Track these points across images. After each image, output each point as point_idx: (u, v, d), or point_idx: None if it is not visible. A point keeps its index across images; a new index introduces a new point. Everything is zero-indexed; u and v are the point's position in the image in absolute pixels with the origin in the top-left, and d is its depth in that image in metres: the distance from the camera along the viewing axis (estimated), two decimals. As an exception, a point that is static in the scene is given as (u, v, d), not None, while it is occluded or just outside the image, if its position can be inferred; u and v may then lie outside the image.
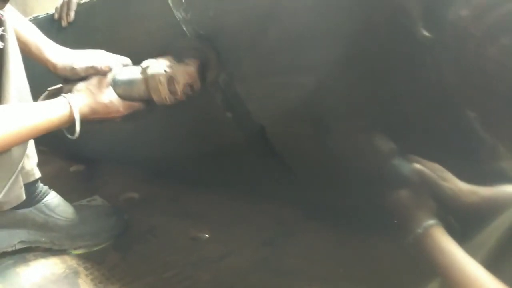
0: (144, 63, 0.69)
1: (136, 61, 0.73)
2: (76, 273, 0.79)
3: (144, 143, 0.96)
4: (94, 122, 0.70)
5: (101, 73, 0.71)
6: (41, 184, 0.85)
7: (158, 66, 0.67)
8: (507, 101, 0.42)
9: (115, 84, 0.71)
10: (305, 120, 0.67)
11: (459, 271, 0.46)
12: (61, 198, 0.88)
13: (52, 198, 0.86)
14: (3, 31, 0.65)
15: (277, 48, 0.61)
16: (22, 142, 0.68)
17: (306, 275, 0.74)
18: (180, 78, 0.66)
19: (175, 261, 0.81)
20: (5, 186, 0.70)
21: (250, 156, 0.81)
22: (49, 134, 0.66)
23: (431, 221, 0.51)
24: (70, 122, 0.67)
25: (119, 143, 1.02)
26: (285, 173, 0.79)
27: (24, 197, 0.79)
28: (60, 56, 0.74)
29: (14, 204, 0.79)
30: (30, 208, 0.83)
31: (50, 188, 0.87)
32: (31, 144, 0.82)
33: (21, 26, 0.74)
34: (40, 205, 0.84)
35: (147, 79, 0.68)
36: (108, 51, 0.75)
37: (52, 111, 0.65)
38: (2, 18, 0.65)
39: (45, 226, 0.84)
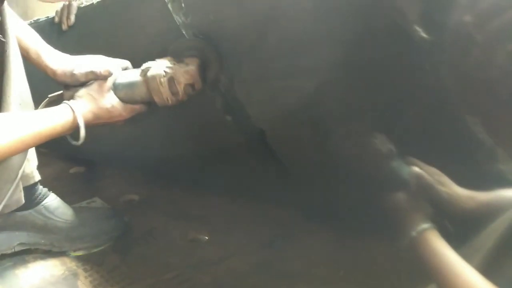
0: (144, 65, 0.69)
1: (137, 65, 0.73)
2: (75, 275, 0.79)
3: (144, 145, 0.96)
4: (97, 127, 0.71)
5: (101, 77, 0.71)
6: (40, 187, 0.85)
7: (158, 67, 0.67)
8: (510, 106, 0.42)
9: (116, 88, 0.71)
10: (304, 124, 0.67)
11: (453, 275, 0.46)
12: (61, 200, 0.88)
13: (52, 200, 0.86)
14: (1, 33, 0.65)
15: (277, 52, 0.62)
16: (25, 150, 0.69)
17: (306, 277, 0.74)
18: (181, 78, 0.66)
19: (175, 263, 0.81)
20: (7, 192, 0.71)
21: (249, 159, 0.81)
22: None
23: (426, 225, 0.51)
24: (73, 129, 0.67)
25: (119, 145, 1.03)
26: (284, 176, 0.79)
27: (23, 200, 0.79)
28: (60, 62, 0.74)
29: (14, 208, 0.79)
30: (30, 210, 0.83)
31: (50, 190, 0.87)
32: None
33: (21, 32, 0.74)
34: (39, 207, 0.84)
35: (148, 81, 0.68)
36: (109, 54, 0.75)
37: (55, 118, 0.65)
38: None
39: (44, 228, 0.84)
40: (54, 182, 1.14)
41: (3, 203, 0.71)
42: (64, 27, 0.94)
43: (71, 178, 1.24)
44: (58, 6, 0.96)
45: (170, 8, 0.67)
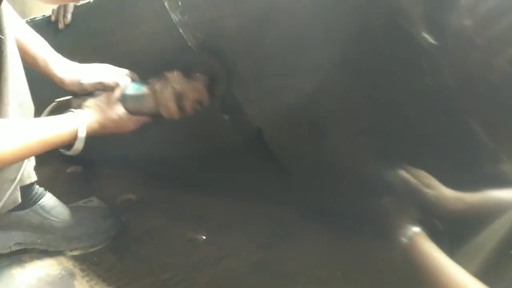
0: (153, 79, 0.70)
1: (134, 64, 0.73)
2: (72, 275, 0.79)
3: (141, 144, 0.96)
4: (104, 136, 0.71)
5: (109, 89, 0.71)
6: (37, 186, 0.85)
7: (167, 82, 0.68)
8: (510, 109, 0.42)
9: (123, 100, 0.72)
10: (302, 123, 0.67)
11: (444, 278, 0.45)
12: (57, 199, 0.88)
13: (48, 200, 0.85)
14: None
15: (274, 51, 0.61)
16: (30, 156, 0.70)
17: (304, 277, 0.74)
18: (189, 94, 0.67)
19: (172, 263, 0.81)
20: (6, 192, 0.71)
21: (247, 159, 0.81)
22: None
23: (415, 230, 0.51)
24: (80, 139, 0.68)
25: (116, 145, 1.02)
26: (282, 175, 0.79)
27: (19, 200, 0.79)
28: (67, 71, 0.75)
29: (10, 207, 0.79)
30: (26, 210, 0.82)
31: (47, 189, 0.87)
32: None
33: (29, 40, 0.74)
34: (36, 207, 0.83)
35: (156, 96, 0.68)
36: (105, 53, 0.75)
37: (62, 127, 0.66)
38: None
39: (41, 227, 0.84)
40: (51, 181, 1.13)
41: (1, 203, 0.71)
42: (61, 25, 0.93)
43: (68, 178, 1.23)
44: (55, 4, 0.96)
45: (167, 7, 0.67)
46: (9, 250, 0.83)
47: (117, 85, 0.72)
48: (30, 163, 0.82)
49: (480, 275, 0.43)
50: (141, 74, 0.77)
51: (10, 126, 0.61)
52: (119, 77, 0.73)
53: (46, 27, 0.95)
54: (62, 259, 0.84)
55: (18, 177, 0.73)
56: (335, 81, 0.59)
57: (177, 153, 0.92)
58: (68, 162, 1.29)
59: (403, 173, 0.55)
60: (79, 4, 0.93)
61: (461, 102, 0.48)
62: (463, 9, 0.44)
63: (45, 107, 0.77)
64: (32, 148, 0.62)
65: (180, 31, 0.68)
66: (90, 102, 0.71)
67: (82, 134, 0.67)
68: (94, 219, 0.90)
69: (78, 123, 0.67)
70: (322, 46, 0.57)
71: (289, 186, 0.81)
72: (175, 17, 0.68)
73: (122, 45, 0.82)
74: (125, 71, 0.75)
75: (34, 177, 0.83)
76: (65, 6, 0.93)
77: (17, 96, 0.69)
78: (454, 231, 0.50)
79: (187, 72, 0.69)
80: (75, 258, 0.84)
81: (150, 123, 0.73)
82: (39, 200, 0.84)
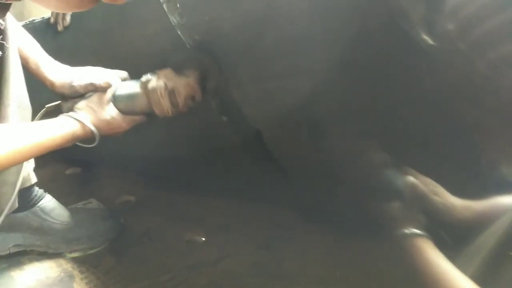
0: (144, 77, 0.69)
1: (133, 65, 0.73)
2: (71, 277, 0.79)
3: (140, 146, 0.96)
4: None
5: (100, 89, 0.71)
6: (36, 188, 0.85)
7: (159, 79, 0.67)
8: (495, 113, 0.43)
9: (115, 100, 0.71)
10: (300, 124, 0.67)
11: (444, 283, 0.45)
12: (56, 201, 0.88)
13: (48, 202, 0.86)
14: (2, 39, 0.65)
15: (273, 53, 0.62)
16: (24, 161, 0.69)
17: (302, 278, 0.74)
18: (181, 91, 0.67)
19: (171, 264, 0.81)
20: (6, 195, 0.71)
21: (246, 160, 0.81)
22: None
23: (417, 233, 0.51)
24: (74, 141, 0.68)
25: (115, 146, 1.02)
26: (281, 177, 0.79)
27: (16, 205, 0.78)
28: (58, 74, 0.75)
29: (9, 212, 0.79)
30: (25, 212, 0.83)
31: (46, 191, 0.87)
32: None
33: (22, 42, 0.74)
34: (35, 208, 0.84)
35: (148, 93, 0.68)
36: (104, 55, 0.75)
37: (55, 130, 0.65)
38: (1, 27, 0.65)
39: (40, 229, 0.84)
40: (50, 183, 1.13)
41: (7, 207, 0.71)
42: (60, 27, 0.93)
43: (67, 179, 1.23)
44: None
45: (166, 9, 0.67)
46: (8, 252, 0.83)
47: (108, 85, 0.71)
48: (29, 165, 0.82)
49: (479, 276, 0.43)
50: (140, 75, 0.77)
51: (3, 131, 0.61)
52: (110, 77, 0.72)
53: (45, 29, 0.95)
54: (61, 261, 0.84)
55: (19, 181, 0.73)
56: (334, 82, 0.59)
57: (176, 155, 0.92)
58: (67, 163, 1.29)
59: (410, 178, 0.54)
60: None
61: (456, 104, 0.48)
62: (446, 14, 0.44)
63: (42, 109, 0.77)
64: (25, 152, 0.62)
65: (179, 33, 0.69)
66: (81, 103, 0.71)
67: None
68: (93, 221, 0.90)
69: (75, 123, 0.67)
70: (321, 47, 0.57)
71: (288, 187, 0.81)
72: (173, 19, 0.68)
73: (121, 47, 0.82)
74: (115, 71, 0.74)
75: (34, 179, 0.83)
76: (64, 8, 0.93)
77: (17, 98, 0.69)
78: (459, 239, 0.49)
79: (179, 69, 0.69)
80: (74, 260, 0.84)
81: (144, 122, 0.73)
82: (38, 202, 0.84)
